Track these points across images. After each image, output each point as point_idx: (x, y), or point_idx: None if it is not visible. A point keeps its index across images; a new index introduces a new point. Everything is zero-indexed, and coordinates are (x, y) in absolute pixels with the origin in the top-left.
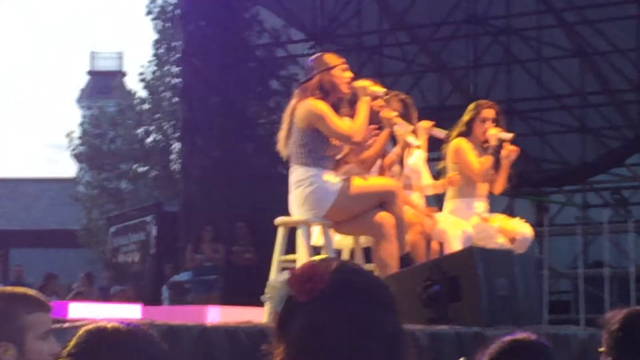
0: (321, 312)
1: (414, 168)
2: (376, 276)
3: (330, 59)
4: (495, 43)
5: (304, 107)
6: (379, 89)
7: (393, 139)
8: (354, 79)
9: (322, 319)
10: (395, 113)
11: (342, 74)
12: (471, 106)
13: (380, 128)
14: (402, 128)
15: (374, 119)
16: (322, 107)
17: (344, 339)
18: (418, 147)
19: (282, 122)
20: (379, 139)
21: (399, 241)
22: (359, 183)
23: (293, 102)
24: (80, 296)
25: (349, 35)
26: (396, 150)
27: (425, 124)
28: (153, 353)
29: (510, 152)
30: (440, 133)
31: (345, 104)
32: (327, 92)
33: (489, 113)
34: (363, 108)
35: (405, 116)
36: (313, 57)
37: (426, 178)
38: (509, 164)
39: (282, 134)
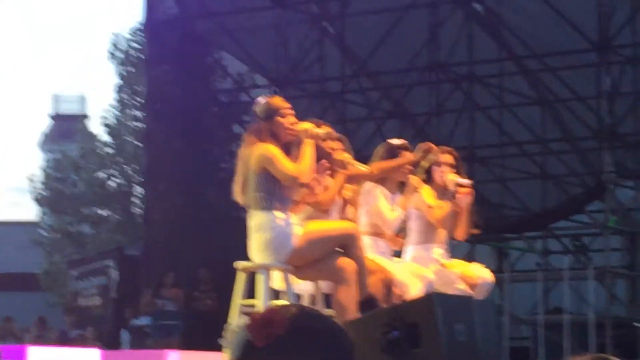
0: (278, 357)
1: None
2: (335, 322)
3: (274, 105)
4: (458, 90)
5: (256, 151)
6: (321, 131)
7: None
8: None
9: None
10: (349, 155)
11: (284, 120)
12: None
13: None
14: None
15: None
16: (271, 149)
17: None
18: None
19: (236, 171)
20: (335, 181)
21: (360, 285)
22: (318, 227)
23: (244, 149)
24: (40, 340)
25: (312, 80)
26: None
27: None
28: None
29: (463, 195)
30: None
31: (296, 147)
32: (275, 137)
33: (446, 158)
34: (307, 150)
35: None
36: (257, 103)
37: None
38: (467, 207)
39: (237, 182)
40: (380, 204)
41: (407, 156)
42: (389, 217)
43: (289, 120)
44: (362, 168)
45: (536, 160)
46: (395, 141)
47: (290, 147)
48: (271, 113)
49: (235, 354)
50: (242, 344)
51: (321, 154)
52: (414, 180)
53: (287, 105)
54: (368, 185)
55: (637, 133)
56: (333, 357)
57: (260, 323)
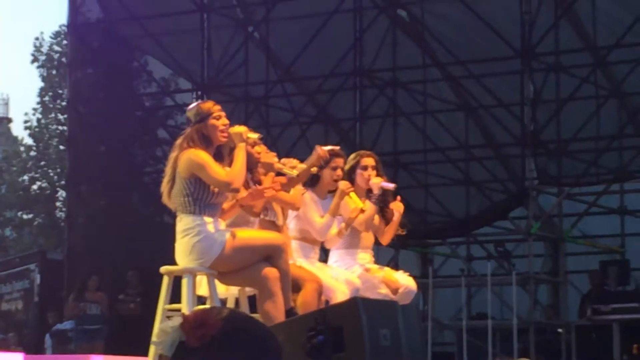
0: (211, 358)
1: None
2: (265, 325)
3: (205, 108)
4: (382, 95)
5: (185, 156)
6: (255, 135)
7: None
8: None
9: None
10: (274, 155)
11: (217, 122)
12: (351, 156)
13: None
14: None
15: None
16: (202, 155)
17: None
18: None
19: (164, 175)
20: (263, 184)
21: (284, 295)
22: (246, 235)
23: (174, 153)
24: None
25: (236, 85)
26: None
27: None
28: None
29: (397, 208)
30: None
31: (228, 151)
32: (206, 141)
33: (369, 161)
34: (240, 154)
35: None
36: (189, 107)
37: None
38: (400, 217)
39: (165, 186)
40: (308, 211)
41: (314, 157)
42: (317, 224)
43: (221, 122)
44: (290, 172)
45: (459, 166)
46: (326, 148)
47: (222, 151)
48: (203, 116)
49: (167, 353)
50: (175, 344)
51: (249, 159)
52: (343, 185)
53: (219, 107)
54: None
55: (560, 140)
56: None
57: (194, 324)
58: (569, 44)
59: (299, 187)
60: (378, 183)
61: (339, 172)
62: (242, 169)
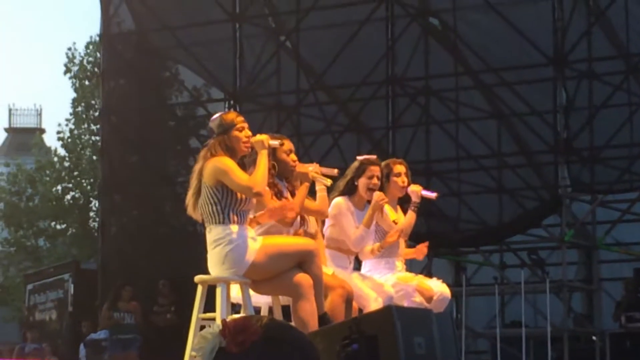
0: None
1: (353, 240)
2: (303, 333)
3: (229, 119)
4: (414, 104)
5: (211, 164)
6: (276, 141)
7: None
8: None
9: None
10: (311, 168)
11: (240, 133)
12: (382, 164)
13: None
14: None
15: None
16: (226, 162)
17: None
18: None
19: (189, 187)
20: (298, 193)
21: (317, 301)
22: (277, 242)
23: (199, 165)
24: None
25: (268, 94)
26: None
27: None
28: None
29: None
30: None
31: (252, 162)
32: (230, 151)
33: (401, 168)
34: (262, 160)
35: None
36: (212, 118)
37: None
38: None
39: (190, 198)
40: (344, 221)
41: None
42: (352, 235)
43: (244, 133)
44: (324, 180)
45: (492, 174)
46: (361, 157)
47: (244, 162)
48: (226, 127)
49: (207, 359)
50: (215, 350)
51: (284, 167)
52: (377, 196)
53: (241, 118)
54: (336, 200)
55: (593, 147)
56: None
57: (235, 330)
58: (601, 51)
59: (324, 194)
60: (418, 191)
61: (375, 180)
62: (264, 174)
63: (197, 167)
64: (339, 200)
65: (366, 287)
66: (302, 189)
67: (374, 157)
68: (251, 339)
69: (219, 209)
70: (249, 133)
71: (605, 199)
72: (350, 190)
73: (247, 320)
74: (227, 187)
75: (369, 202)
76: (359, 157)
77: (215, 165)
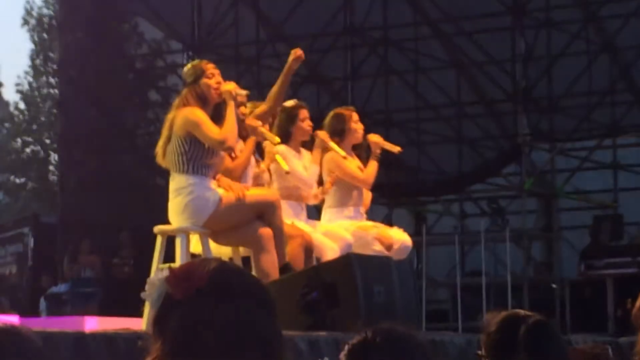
0: (196, 310)
1: (307, 180)
2: (257, 278)
3: (198, 67)
4: (373, 54)
5: (182, 115)
6: (243, 91)
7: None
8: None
9: (196, 317)
10: (260, 123)
11: (210, 80)
12: (288, 104)
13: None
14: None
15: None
16: (198, 114)
17: (218, 337)
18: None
19: (160, 136)
20: (245, 147)
21: (278, 252)
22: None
23: (171, 114)
24: None
25: (227, 45)
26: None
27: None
28: (29, 349)
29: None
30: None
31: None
32: (202, 100)
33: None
34: (231, 112)
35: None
36: (184, 68)
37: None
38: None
39: (160, 147)
40: (294, 165)
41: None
42: (304, 176)
43: (215, 79)
44: (270, 136)
45: (452, 124)
46: (289, 103)
47: (220, 110)
48: (197, 75)
49: (155, 306)
50: (162, 296)
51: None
52: (322, 134)
53: (212, 65)
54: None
55: (552, 96)
56: (254, 313)
57: (180, 276)
58: None
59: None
60: (379, 142)
61: (309, 121)
62: (234, 127)
63: (168, 116)
64: (281, 147)
65: (322, 236)
66: (250, 143)
67: (296, 101)
68: (195, 284)
69: (185, 159)
70: (220, 79)
71: (564, 148)
72: (285, 138)
73: (192, 266)
74: (197, 139)
75: (302, 145)
76: (284, 104)
77: (187, 116)
